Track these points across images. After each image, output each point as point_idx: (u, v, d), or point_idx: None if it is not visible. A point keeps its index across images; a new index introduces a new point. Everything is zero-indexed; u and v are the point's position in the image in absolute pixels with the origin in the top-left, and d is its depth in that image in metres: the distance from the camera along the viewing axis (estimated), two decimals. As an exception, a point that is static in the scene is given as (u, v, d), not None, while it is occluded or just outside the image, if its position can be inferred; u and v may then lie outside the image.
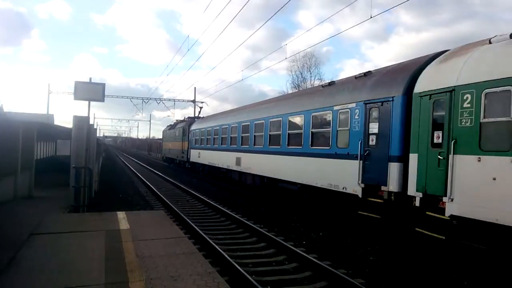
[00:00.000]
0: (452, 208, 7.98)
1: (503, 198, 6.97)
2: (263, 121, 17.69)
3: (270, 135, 16.95)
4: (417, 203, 8.95)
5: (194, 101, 55.35)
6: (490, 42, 8.08)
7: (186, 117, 41.25)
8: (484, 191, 7.35)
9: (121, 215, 9.74)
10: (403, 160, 9.55)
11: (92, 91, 11.29)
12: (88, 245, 6.78)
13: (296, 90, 44.72)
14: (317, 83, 49.90)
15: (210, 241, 9.10)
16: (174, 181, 24.13)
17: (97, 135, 31.10)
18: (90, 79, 11.51)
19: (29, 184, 14.16)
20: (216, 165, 24.78)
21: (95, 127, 19.12)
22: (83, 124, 11.17)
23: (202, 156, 28.55)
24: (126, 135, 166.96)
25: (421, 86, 9.10)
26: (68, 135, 12.95)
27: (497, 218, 7.05)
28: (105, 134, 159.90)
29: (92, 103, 16.52)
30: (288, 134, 15.12)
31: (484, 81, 7.53)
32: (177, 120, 45.22)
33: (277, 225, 12.02)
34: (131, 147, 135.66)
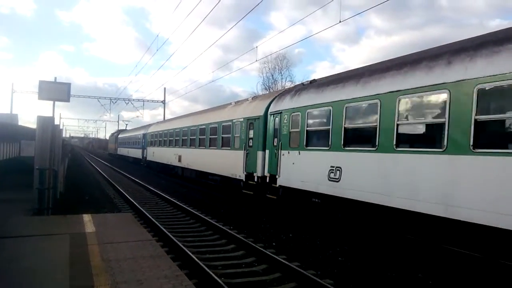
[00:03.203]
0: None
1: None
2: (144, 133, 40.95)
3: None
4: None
5: (164, 102, 54.86)
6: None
7: (117, 130, 71.77)
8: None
9: (86, 217, 9.50)
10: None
11: (57, 91, 10.98)
12: (52, 249, 6.59)
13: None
14: (288, 84, 50.32)
15: (175, 240, 9.02)
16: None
17: (63, 135, 30.65)
18: (55, 78, 11.23)
19: (-10, 186, 13.68)
20: (123, 154, 55.12)
21: (61, 127, 18.65)
22: (48, 125, 10.85)
23: (119, 151, 58.79)
24: (93, 136, 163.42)
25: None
26: (32, 135, 12.59)
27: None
28: (72, 135, 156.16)
29: (58, 103, 16.12)
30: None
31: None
32: (116, 130, 73.91)
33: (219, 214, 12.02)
34: (98, 148, 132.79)
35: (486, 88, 7.03)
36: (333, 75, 13.31)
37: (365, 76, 10.39)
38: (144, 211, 13.31)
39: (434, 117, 8.24)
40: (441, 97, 7.93)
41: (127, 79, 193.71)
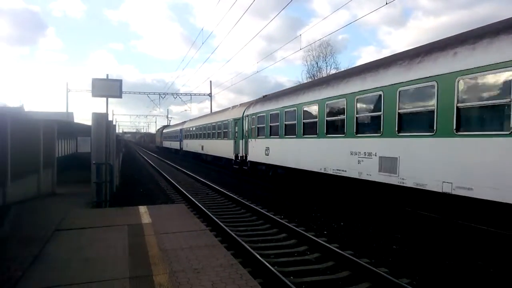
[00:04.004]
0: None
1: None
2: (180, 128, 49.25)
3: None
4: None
5: (210, 95, 55.48)
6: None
7: (162, 126, 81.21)
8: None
9: (142, 209, 9.83)
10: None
11: (109, 88, 11.36)
12: (111, 239, 6.86)
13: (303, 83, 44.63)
14: (333, 71, 49.58)
15: (227, 229, 9.14)
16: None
17: (116, 131, 32.05)
18: (107, 75, 11.56)
19: (52, 181, 14.39)
20: (166, 146, 63.34)
21: (114, 123, 19.33)
22: (102, 120, 11.25)
23: (164, 144, 67.36)
24: (144, 131, 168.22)
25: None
26: (88, 132, 13.11)
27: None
28: (124, 130, 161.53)
29: (110, 99, 16.71)
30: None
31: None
32: (161, 126, 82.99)
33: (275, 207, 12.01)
34: (149, 142, 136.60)
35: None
36: (272, 93, 21.42)
37: (276, 97, 18.68)
38: (197, 202, 13.56)
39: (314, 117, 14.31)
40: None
41: (174, 74, 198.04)
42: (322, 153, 13.39)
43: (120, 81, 11.56)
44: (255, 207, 12.69)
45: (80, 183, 15.28)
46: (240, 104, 26.69)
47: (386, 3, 13.70)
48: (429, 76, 8.82)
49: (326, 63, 55.18)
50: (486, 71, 7.55)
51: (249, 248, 7.91)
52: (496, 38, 7.64)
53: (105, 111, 11.97)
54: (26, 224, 8.17)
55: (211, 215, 11.27)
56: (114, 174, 13.40)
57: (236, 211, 13.12)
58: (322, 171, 13.35)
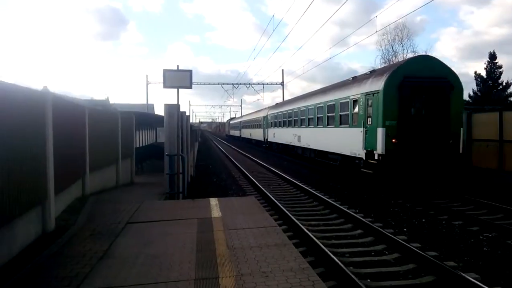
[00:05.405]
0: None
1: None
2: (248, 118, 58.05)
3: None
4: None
5: (282, 84, 55.13)
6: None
7: (229, 117, 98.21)
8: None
9: (213, 201, 9.72)
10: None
11: (180, 79, 11.32)
12: (180, 234, 6.76)
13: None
14: (410, 55, 46.97)
15: (299, 224, 8.75)
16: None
17: (193, 121, 33.19)
18: (178, 66, 11.51)
19: (131, 171, 14.89)
20: (231, 134, 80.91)
21: (190, 114, 19.60)
22: (174, 112, 11.26)
23: (230, 132, 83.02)
24: (219, 120, 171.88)
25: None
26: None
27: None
28: (201, 120, 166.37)
29: (187, 90, 16.89)
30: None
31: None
32: (229, 118, 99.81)
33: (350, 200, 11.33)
34: (223, 131, 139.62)
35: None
36: (280, 102, 39.54)
37: (277, 106, 35.98)
38: (268, 193, 13.32)
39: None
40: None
41: (247, 64, 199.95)
42: (287, 135, 28.48)
43: (190, 71, 11.47)
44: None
45: (158, 173, 15.65)
46: (266, 107, 42.81)
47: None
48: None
49: (403, 46, 52.08)
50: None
51: (322, 245, 7.47)
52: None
53: (185, 102, 12.01)
54: (101, 216, 8.33)
55: (283, 208, 10.95)
56: (188, 166, 13.48)
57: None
58: (288, 143, 28.15)
